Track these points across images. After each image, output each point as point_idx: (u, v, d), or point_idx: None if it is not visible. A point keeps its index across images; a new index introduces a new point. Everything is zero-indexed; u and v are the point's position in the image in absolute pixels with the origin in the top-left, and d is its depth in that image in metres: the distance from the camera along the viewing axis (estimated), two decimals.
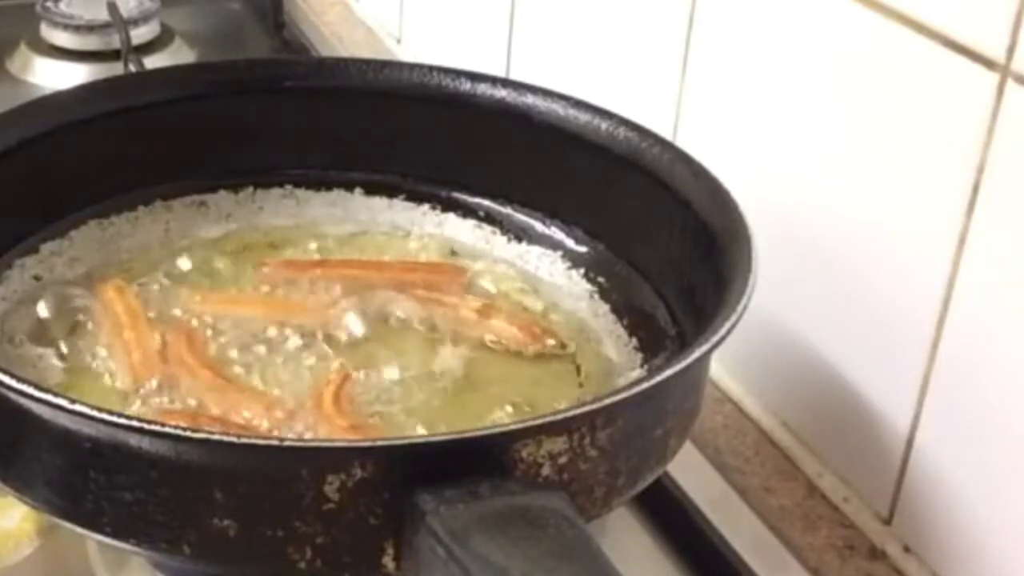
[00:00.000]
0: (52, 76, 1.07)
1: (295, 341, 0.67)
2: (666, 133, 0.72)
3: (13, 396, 0.51)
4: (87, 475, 0.52)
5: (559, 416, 0.52)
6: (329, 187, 0.77)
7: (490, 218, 0.75)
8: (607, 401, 0.52)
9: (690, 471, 0.70)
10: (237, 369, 0.65)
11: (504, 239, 0.75)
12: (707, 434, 0.75)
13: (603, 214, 0.72)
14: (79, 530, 0.54)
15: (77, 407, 0.50)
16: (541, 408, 0.63)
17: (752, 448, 0.75)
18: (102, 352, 0.65)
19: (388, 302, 0.70)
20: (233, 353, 0.66)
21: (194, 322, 0.67)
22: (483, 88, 0.73)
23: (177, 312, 0.68)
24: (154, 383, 0.63)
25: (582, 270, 0.73)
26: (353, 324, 0.68)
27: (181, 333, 0.66)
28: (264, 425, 0.61)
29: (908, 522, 0.67)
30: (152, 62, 1.02)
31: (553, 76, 0.81)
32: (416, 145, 0.76)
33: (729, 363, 0.78)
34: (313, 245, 0.75)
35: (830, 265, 0.70)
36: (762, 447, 0.75)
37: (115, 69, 0.99)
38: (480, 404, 0.64)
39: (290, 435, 0.60)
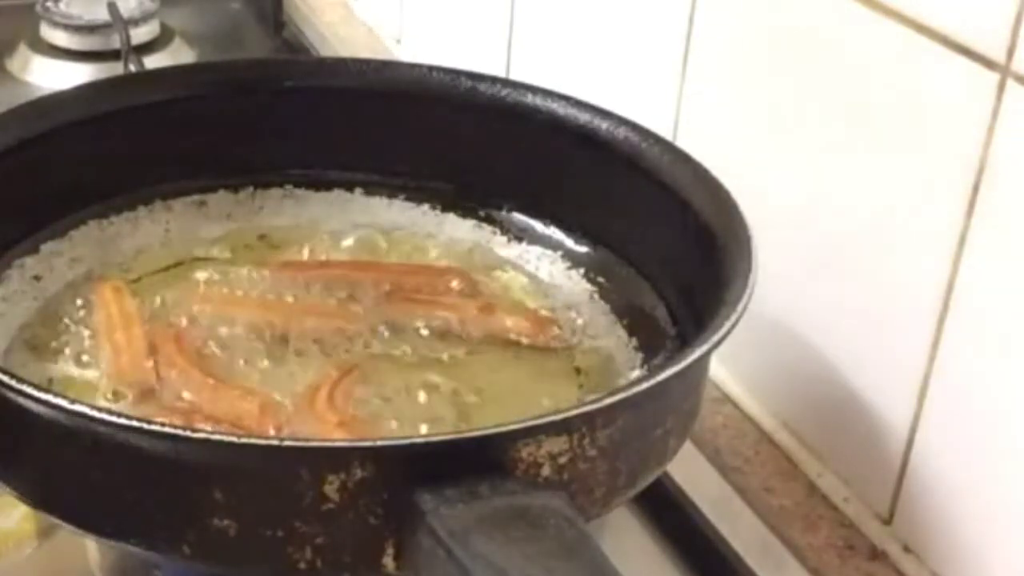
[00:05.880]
0: (52, 76, 1.07)
1: (293, 342, 0.67)
2: (666, 133, 0.72)
3: (13, 396, 0.51)
4: (87, 475, 0.52)
5: (559, 416, 0.52)
6: (329, 187, 0.77)
7: (490, 218, 0.75)
8: (607, 401, 0.52)
9: (690, 471, 0.70)
10: (232, 369, 0.65)
11: (504, 239, 0.75)
12: (707, 434, 0.75)
13: (603, 214, 0.72)
14: (79, 530, 0.54)
15: (77, 407, 0.50)
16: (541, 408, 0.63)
17: (752, 448, 0.75)
18: (95, 353, 0.65)
19: (388, 303, 0.70)
20: (229, 354, 0.66)
21: (191, 323, 0.67)
22: (483, 88, 0.73)
23: (175, 313, 0.68)
24: (143, 384, 0.63)
25: (582, 270, 0.73)
26: (351, 325, 0.68)
27: (170, 334, 0.66)
28: (252, 423, 0.60)
29: (908, 522, 0.67)
30: (152, 62, 1.02)
31: (553, 76, 0.81)
32: (416, 145, 0.76)
33: (729, 363, 0.78)
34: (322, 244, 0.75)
35: (829, 265, 0.70)
36: (762, 447, 0.75)
37: (115, 69, 0.99)
38: (480, 404, 0.64)
39: (275, 432, 0.60)
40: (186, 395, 0.63)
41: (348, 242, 0.75)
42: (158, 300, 0.69)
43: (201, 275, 0.72)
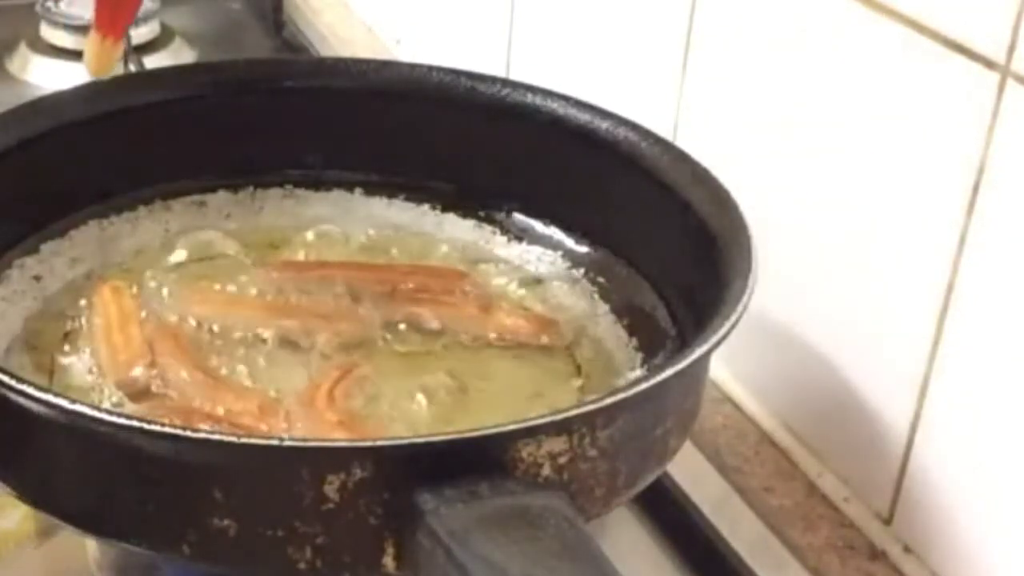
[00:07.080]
0: (52, 76, 1.07)
1: (293, 342, 0.67)
2: (666, 133, 0.72)
3: (13, 396, 0.51)
4: (87, 475, 0.52)
5: (559, 416, 0.52)
6: (329, 187, 0.77)
7: (490, 218, 0.75)
8: (607, 401, 0.52)
9: (690, 471, 0.70)
10: (231, 369, 0.65)
11: (504, 239, 0.75)
12: (707, 434, 0.75)
13: (603, 214, 0.72)
14: (79, 530, 0.54)
15: (77, 407, 0.50)
16: (541, 408, 0.63)
17: (752, 448, 0.75)
18: (95, 353, 0.65)
19: (388, 303, 0.70)
20: (229, 353, 0.66)
21: (191, 322, 0.67)
22: (483, 88, 0.73)
23: (174, 312, 0.68)
24: (142, 384, 0.63)
25: (582, 270, 0.73)
26: (352, 325, 0.68)
27: (170, 333, 0.66)
28: (252, 422, 0.60)
29: (908, 522, 0.67)
30: (152, 62, 1.03)
31: (553, 76, 0.81)
32: (416, 145, 0.76)
33: (729, 363, 0.78)
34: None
35: (829, 265, 0.70)
36: (762, 447, 0.75)
37: (115, 69, 0.99)
38: (480, 404, 0.64)
39: (274, 430, 0.60)
40: (186, 395, 0.63)
41: (348, 242, 0.75)
42: (158, 300, 0.69)
43: (201, 275, 0.72)
